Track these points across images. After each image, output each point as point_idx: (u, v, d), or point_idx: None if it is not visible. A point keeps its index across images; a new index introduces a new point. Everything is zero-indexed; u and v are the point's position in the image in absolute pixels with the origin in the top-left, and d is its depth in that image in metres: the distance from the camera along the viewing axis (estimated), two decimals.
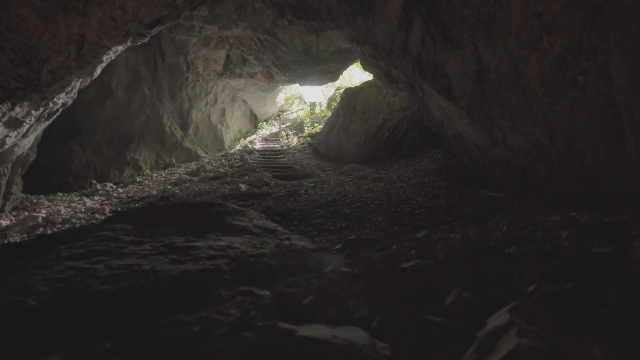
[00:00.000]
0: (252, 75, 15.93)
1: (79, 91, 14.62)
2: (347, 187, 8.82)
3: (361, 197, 7.44)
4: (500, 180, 8.87)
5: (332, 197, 7.53)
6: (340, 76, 17.69)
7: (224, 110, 17.54)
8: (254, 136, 18.31)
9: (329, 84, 20.27)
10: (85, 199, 9.28)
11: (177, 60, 14.95)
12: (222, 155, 15.01)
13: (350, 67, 16.81)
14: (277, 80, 15.72)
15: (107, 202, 9.12)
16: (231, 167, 12.16)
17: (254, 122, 20.28)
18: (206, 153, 16.26)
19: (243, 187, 8.67)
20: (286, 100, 21.54)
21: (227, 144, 17.39)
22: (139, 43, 9.02)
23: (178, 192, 9.01)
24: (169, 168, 13.22)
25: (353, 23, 9.15)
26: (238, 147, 16.72)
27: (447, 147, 11.38)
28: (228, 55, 15.52)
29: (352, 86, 15.37)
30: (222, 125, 17.46)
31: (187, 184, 9.82)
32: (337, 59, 14.26)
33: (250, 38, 13.60)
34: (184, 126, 15.96)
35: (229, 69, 15.71)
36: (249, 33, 13.13)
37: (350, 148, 13.63)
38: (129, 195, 9.44)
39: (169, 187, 9.67)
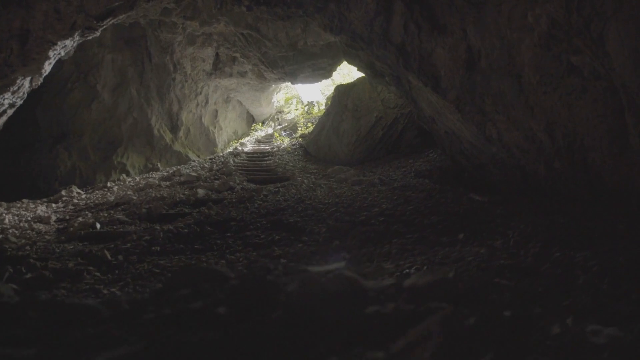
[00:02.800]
0: (242, 74, 15.18)
1: (65, 94, 14.34)
2: (317, 191, 7.87)
3: (320, 203, 6.47)
4: (498, 182, 8.01)
5: (288, 203, 6.59)
6: (337, 73, 16.75)
7: (216, 111, 16.86)
8: (247, 138, 17.59)
9: (330, 83, 19.34)
10: (40, 206, 8.69)
11: (163, 60, 14.37)
12: (210, 159, 14.35)
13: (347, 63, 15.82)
14: (267, 78, 14.90)
15: (61, 209, 8.50)
16: (210, 170, 11.41)
17: (251, 123, 19.56)
18: (198, 156, 15.59)
19: (201, 192, 7.87)
20: (286, 100, 20.74)
21: (220, 146, 16.70)
22: (90, 37, 8.37)
23: (135, 198, 8.30)
24: (149, 172, 12.61)
25: (324, 9, 8.23)
26: (230, 149, 16.02)
27: (441, 146, 10.38)
28: (217, 54, 14.84)
29: (344, 83, 14.38)
30: (215, 127, 16.76)
31: (150, 190, 9.10)
32: (328, 54, 13.32)
33: (233, 34, 12.85)
34: (174, 129, 15.36)
35: (218, 68, 15.02)
36: (232, 28, 12.39)
37: (341, 149, 12.63)
38: (88, 202, 8.79)
39: (129, 192, 8.98)
